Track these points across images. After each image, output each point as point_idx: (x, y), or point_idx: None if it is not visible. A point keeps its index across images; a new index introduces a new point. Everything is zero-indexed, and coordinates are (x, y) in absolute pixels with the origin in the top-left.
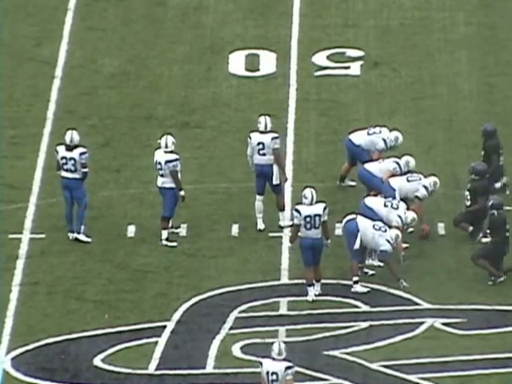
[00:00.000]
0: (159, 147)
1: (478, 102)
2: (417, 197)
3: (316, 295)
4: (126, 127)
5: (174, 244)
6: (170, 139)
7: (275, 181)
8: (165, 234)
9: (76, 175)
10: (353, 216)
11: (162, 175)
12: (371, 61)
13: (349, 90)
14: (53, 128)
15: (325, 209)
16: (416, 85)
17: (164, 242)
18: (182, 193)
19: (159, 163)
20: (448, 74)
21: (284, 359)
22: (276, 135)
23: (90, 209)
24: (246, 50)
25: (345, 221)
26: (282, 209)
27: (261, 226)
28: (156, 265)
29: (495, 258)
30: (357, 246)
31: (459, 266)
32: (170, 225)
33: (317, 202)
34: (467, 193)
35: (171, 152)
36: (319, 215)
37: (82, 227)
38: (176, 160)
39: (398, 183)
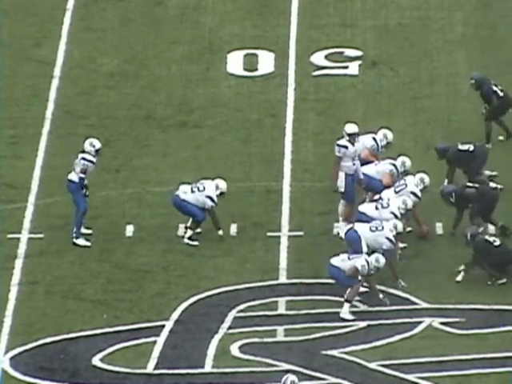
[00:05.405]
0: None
1: (477, 102)
2: None
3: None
4: (124, 127)
5: (196, 243)
6: None
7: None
8: (189, 232)
9: (74, 177)
10: (350, 226)
11: None
12: (369, 60)
13: (347, 89)
14: (51, 128)
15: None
16: (414, 84)
17: (186, 241)
18: (221, 232)
19: None
20: (446, 73)
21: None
22: None
23: (89, 208)
24: (245, 50)
25: (344, 232)
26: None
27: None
28: (155, 264)
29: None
30: (365, 248)
31: (457, 266)
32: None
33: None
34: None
35: None
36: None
37: (82, 230)
38: None
39: (387, 195)
